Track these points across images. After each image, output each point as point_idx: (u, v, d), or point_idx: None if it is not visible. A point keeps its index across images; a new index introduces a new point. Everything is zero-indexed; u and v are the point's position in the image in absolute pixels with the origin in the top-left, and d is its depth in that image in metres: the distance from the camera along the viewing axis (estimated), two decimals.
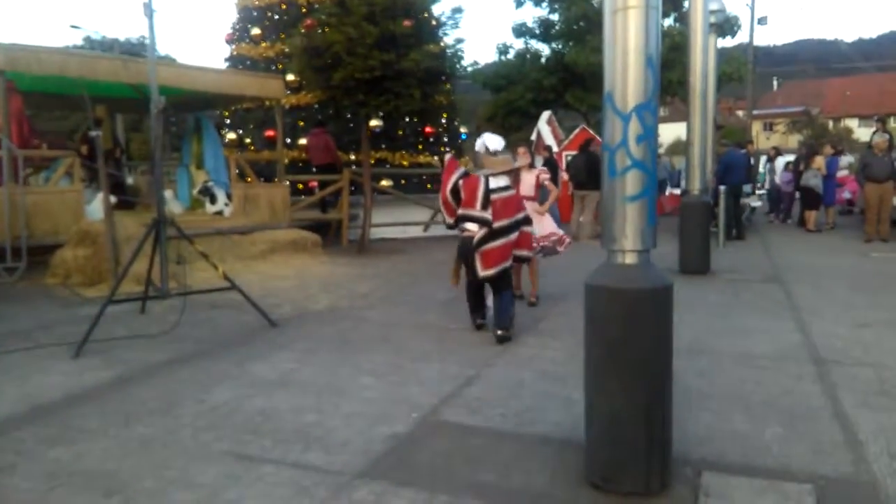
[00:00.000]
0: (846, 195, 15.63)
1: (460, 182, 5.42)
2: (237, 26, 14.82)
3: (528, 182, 6.80)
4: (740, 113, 45.85)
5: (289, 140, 12.82)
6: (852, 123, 48.90)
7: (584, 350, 2.91)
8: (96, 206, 8.45)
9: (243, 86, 10.25)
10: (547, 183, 7.04)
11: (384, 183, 12.69)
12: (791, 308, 6.39)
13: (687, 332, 5.30)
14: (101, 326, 5.25)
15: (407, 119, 12.49)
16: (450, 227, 5.63)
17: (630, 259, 2.73)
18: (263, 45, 13.87)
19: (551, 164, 13.51)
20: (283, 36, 13.45)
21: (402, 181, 13.50)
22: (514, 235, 5.42)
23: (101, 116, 9.99)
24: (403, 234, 12.40)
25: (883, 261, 9.40)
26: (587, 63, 17.73)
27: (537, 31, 20.36)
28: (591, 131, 17.47)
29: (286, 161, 12.10)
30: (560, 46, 19.47)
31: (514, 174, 6.62)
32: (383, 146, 13.37)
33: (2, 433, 3.57)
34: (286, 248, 9.79)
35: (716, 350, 4.99)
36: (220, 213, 10.48)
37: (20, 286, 7.60)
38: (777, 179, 14.90)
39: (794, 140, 41.50)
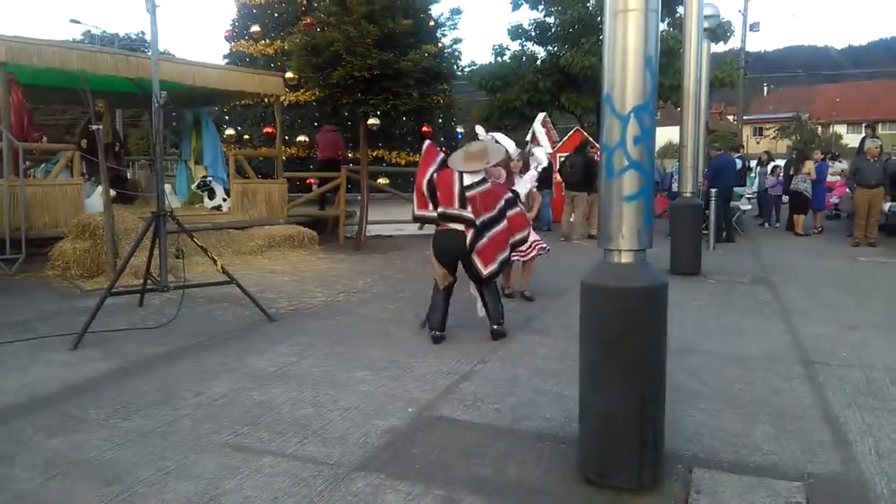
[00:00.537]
0: (834, 200, 15.78)
1: (435, 176, 5.24)
2: (237, 23, 14.83)
3: (520, 189, 6.87)
4: (731, 118, 46.14)
5: (287, 137, 12.85)
6: (841, 129, 49.30)
7: (580, 347, 2.96)
8: (96, 200, 8.47)
9: (243, 82, 10.27)
10: (534, 190, 7.09)
11: (381, 181, 12.73)
12: (780, 310, 6.47)
13: (678, 331, 5.37)
14: (100, 318, 5.29)
15: (404, 118, 12.51)
16: (417, 219, 5.45)
17: (626, 258, 2.79)
18: (263, 42, 13.88)
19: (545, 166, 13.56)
20: (282, 34, 13.47)
21: (399, 179, 13.54)
22: (503, 223, 5.28)
23: (101, 110, 9.99)
24: (399, 231, 12.43)
25: (870, 265, 9.51)
26: (582, 66, 17.80)
27: (533, 34, 20.41)
28: (585, 133, 17.55)
29: (284, 157, 12.14)
30: (555, 49, 19.52)
31: (514, 178, 6.72)
32: (380, 144, 13.41)
33: (1, 423, 3.61)
34: (283, 244, 9.84)
35: (706, 350, 5.07)
36: (218, 208, 10.52)
37: (19, 278, 7.62)
38: (767, 184, 15.05)
39: (784, 145, 41.77)
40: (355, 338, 5.40)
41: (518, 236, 5.47)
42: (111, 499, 2.82)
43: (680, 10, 17.86)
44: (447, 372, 4.52)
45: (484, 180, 5.28)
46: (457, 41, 11.45)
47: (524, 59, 20.36)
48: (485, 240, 5.20)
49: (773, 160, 15.64)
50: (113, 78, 8.96)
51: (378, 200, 12.13)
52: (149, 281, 6.05)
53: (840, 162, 17.95)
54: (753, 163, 17.66)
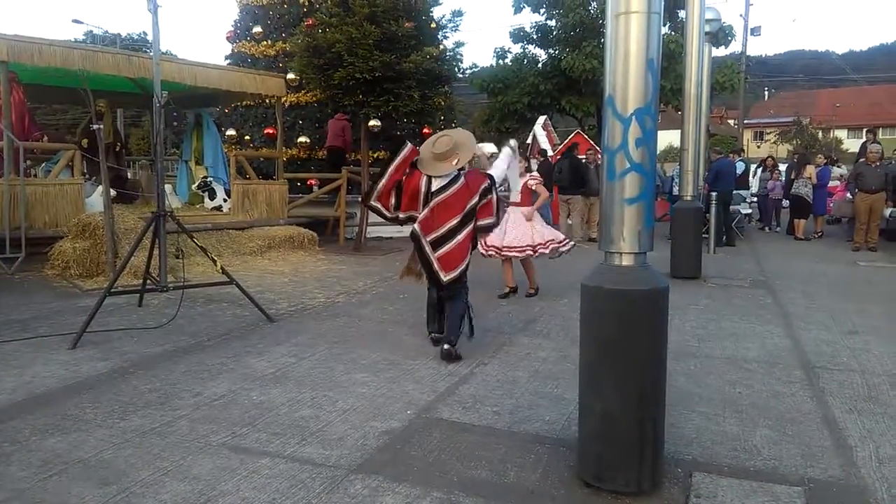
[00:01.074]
0: (830, 204, 15.79)
1: (403, 178, 4.92)
2: (239, 24, 14.84)
3: (517, 188, 6.93)
4: (732, 122, 46.18)
5: (288, 138, 12.86)
6: (842, 134, 49.34)
7: (580, 349, 2.96)
8: (96, 199, 8.47)
9: (244, 83, 10.27)
10: (535, 186, 7.11)
11: None
12: (780, 314, 6.46)
13: (678, 335, 5.37)
14: (99, 318, 5.29)
15: (405, 120, 12.52)
16: (371, 208, 5.06)
17: (627, 261, 2.78)
18: (264, 43, 13.89)
19: (546, 167, 13.60)
20: (283, 35, 13.48)
21: None
22: (467, 230, 4.84)
23: (102, 110, 9.99)
24: (399, 233, 12.39)
25: (870, 269, 9.50)
26: (583, 69, 17.83)
27: (535, 37, 20.43)
28: (586, 136, 17.57)
29: (285, 158, 12.15)
30: (557, 52, 19.54)
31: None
32: (381, 146, 13.42)
33: None
34: (283, 245, 9.84)
35: (706, 353, 5.05)
36: (218, 208, 10.52)
37: (19, 277, 7.62)
38: (766, 188, 15.07)
39: (784, 149, 41.80)
40: (354, 339, 5.39)
41: (481, 223, 4.92)
42: (108, 499, 2.81)
43: (681, 14, 17.89)
44: (446, 374, 4.51)
45: (455, 179, 4.87)
46: (459, 44, 11.54)
47: (525, 61, 20.39)
48: (448, 247, 4.83)
49: (777, 165, 15.62)
50: (114, 78, 8.96)
51: None
52: (148, 281, 6.04)
53: (839, 167, 17.94)
54: (754, 166, 17.67)
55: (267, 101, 12.31)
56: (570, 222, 12.60)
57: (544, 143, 17.18)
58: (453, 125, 15.83)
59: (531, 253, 6.90)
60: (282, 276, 8.24)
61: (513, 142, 6.18)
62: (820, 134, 47.64)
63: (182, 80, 9.07)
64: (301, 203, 11.83)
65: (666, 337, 2.90)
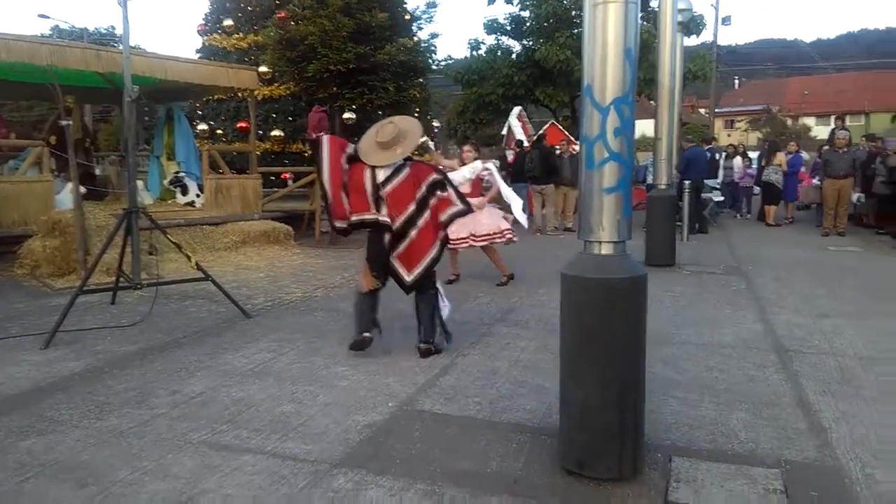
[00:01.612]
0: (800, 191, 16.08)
1: (346, 178, 4.56)
2: (209, 17, 14.63)
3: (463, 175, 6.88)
4: (703, 110, 46.69)
5: (261, 132, 12.72)
6: (810, 122, 50.15)
7: (560, 338, 2.97)
8: (66, 196, 8.30)
9: (216, 76, 10.12)
10: (488, 177, 7.13)
11: None
12: (753, 299, 6.57)
13: (654, 322, 5.36)
14: (72, 317, 5.19)
15: (380, 112, 12.48)
16: (342, 231, 4.70)
17: (606, 250, 2.80)
18: (236, 36, 13.72)
19: (521, 158, 13.63)
20: (255, 27, 13.33)
21: None
22: (426, 216, 4.59)
23: (70, 106, 9.79)
24: None
25: (840, 254, 9.71)
26: (557, 60, 17.89)
27: (508, 28, 20.45)
28: (560, 127, 17.64)
29: (258, 152, 12.01)
30: (531, 43, 19.59)
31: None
32: (356, 139, 13.34)
33: None
34: (258, 240, 9.74)
35: (682, 340, 5.12)
36: (191, 203, 10.38)
37: None
38: (735, 176, 15.30)
39: (755, 137, 42.40)
40: (333, 333, 5.36)
41: (441, 217, 4.68)
42: (87, 500, 2.77)
43: (653, 3, 18.02)
44: (426, 366, 4.51)
45: (401, 168, 4.60)
46: (433, 35, 11.55)
47: (499, 53, 20.41)
48: (406, 242, 4.60)
49: (740, 152, 15.83)
50: (83, 73, 8.77)
51: None
52: (121, 278, 5.94)
53: (802, 154, 18.23)
54: (722, 155, 17.91)
55: (239, 94, 12.17)
56: (544, 213, 12.66)
57: (519, 134, 17.22)
58: (428, 117, 15.81)
59: (469, 244, 6.96)
60: (257, 272, 8.17)
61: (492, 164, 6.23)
62: (789, 121, 48.38)
63: (152, 74, 8.91)
64: (276, 197, 11.72)
65: (645, 325, 2.93)
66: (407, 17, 11.55)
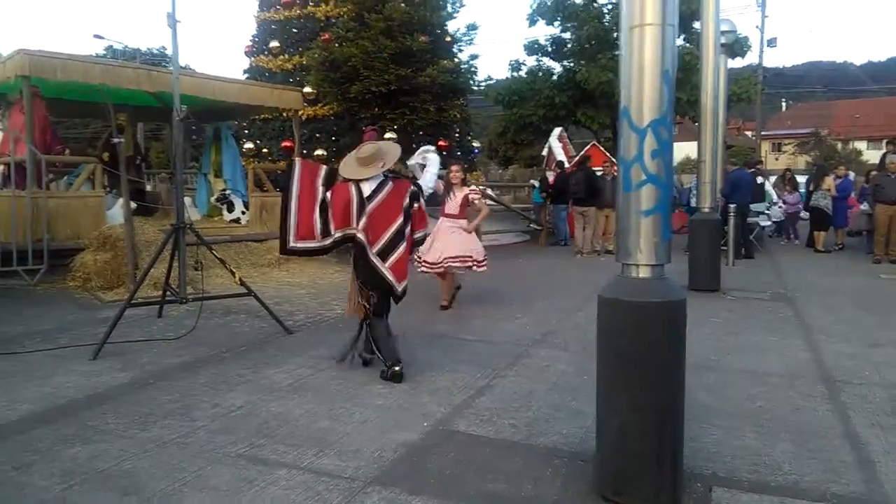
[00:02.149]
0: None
1: (328, 195, 4.66)
2: (256, 39, 15.05)
3: (456, 200, 6.91)
4: (749, 133, 45.92)
5: (305, 151, 12.98)
6: (861, 146, 48.85)
7: (597, 362, 2.94)
8: (117, 212, 8.59)
9: (262, 97, 10.39)
10: (477, 201, 7.07)
11: None
12: (801, 327, 6.39)
13: (697, 348, 5.31)
14: (119, 329, 5.34)
15: (421, 132, 12.63)
16: (291, 252, 4.76)
17: (644, 273, 2.77)
18: (282, 57, 14.07)
19: (562, 179, 13.59)
20: (300, 49, 13.65)
21: None
22: (407, 233, 4.78)
23: (122, 124, 10.15)
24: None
25: (892, 282, 9.37)
26: (598, 81, 17.82)
27: (549, 49, 20.47)
28: (601, 148, 17.54)
29: None
30: (572, 64, 19.57)
31: (453, 189, 6.73)
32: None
33: (21, 432, 3.65)
34: (301, 257, 9.87)
35: (725, 367, 5.01)
36: (236, 220, 10.62)
37: (41, 289, 7.74)
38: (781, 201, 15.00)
39: (803, 161, 41.47)
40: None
41: (417, 234, 4.97)
42: None
43: (696, 25, 17.85)
44: (463, 386, 4.51)
45: (384, 183, 4.77)
46: (473, 57, 11.59)
47: (540, 74, 20.42)
48: (397, 254, 4.71)
49: (794, 177, 15.52)
50: (135, 92, 9.10)
51: None
52: (168, 292, 6.11)
53: (851, 176, 17.77)
54: (773, 178, 17.56)
55: (284, 114, 12.44)
56: (584, 234, 12.59)
57: (560, 155, 17.20)
58: (469, 138, 15.93)
59: (471, 265, 6.88)
60: (299, 288, 8.29)
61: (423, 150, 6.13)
62: (839, 145, 47.20)
63: (201, 93, 9.20)
64: None
65: (684, 349, 2.88)
66: (448, 39, 11.70)
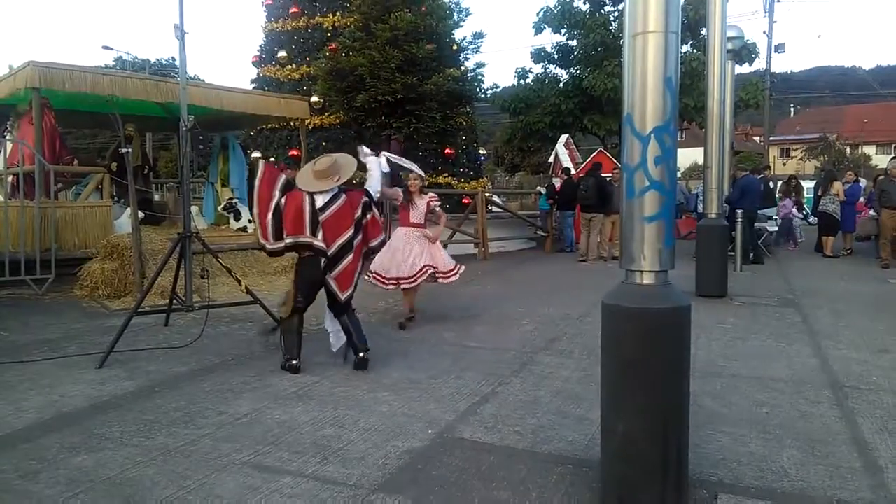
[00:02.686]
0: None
1: (283, 201, 4.85)
2: (264, 49, 15.14)
3: (420, 209, 6.79)
4: (757, 139, 45.80)
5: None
6: (870, 150, 48.63)
7: (601, 369, 2.93)
8: (124, 221, 8.65)
9: (269, 106, 10.46)
10: (437, 209, 6.98)
11: None
12: (808, 332, 6.35)
13: (704, 354, 5.30)
14: (126, 338, 5.37)
15: (427, 140, 12.66)
16: (271, 252, 5.03)
17: (648, 279, 2.76)
18: (289, 67, 14.15)
19: (569, 185, 13.60)
20: (308, 59, 13.73)
21: None
22: (357, 244, 5.01)
23: (131, 134, 10.24)
24: None
25: None
26: (605, 88, 17.86)
27: (556, 57, 20.54)
28: (608, 155, 17.54)
29: None
30: (578, 71, 19.62)
31: (413, 197, 6.66)
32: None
33: (27, 440, 3.67)
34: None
35: (732, 373, 4.98)
36: (243, 229, 10.66)
37: (49, 298, 7.79)
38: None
39: (811, 166, 41.32)
40: (376, 358, 5.38)
41: (373, 243, 5.25)
42: None
43: (703, 31, 17.84)
44: (467, 393, 4.50)
45: (337, 195, 4.97)
46: (479, 65, 11.62)
47: (547, 81, 20.49)
48: (343, 264, 4.97)
49: (793, 186, 15.51)
50: (143, 102, 9.19)
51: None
52: (174, 301, 6.13)
53: (861, 182, 17.71)
54: (779, 183, 17.52)
55: (291, 123, 12.51)
56: (591, 241, 12.59)
57: (566, 162, 17.24)
58: (475, 145, 15.96)
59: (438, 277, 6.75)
60: None
61: (364, 149, 6.09)
62: (848, 150, 47.02)
63: (208, 104, 9.28)
64: None
65: (689, 356, 2.87)
66: (454, 47, 11.74)
